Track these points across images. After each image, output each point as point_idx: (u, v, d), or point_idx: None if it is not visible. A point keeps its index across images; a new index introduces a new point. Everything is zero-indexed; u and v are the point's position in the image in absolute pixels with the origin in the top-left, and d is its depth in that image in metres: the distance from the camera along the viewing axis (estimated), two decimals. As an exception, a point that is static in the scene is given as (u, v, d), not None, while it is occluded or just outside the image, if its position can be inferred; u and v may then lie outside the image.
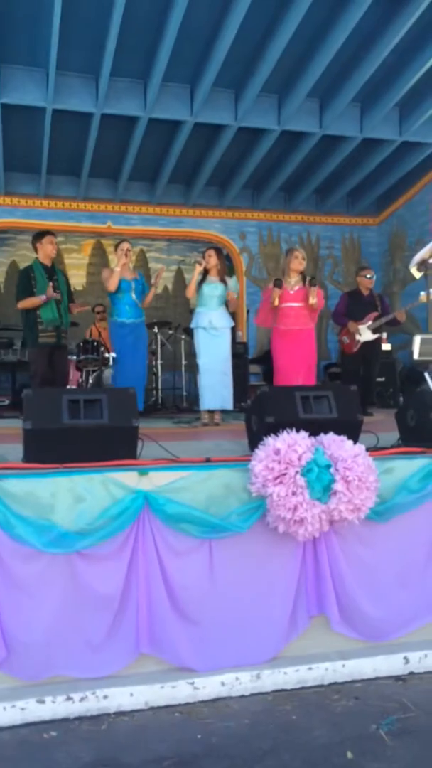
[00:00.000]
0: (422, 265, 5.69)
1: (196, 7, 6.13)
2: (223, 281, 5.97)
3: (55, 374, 5.57)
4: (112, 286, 5.79)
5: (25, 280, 5.48)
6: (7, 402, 8.49)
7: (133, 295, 5.91)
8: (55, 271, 5.57)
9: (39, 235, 5.69)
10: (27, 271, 5.55)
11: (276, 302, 5.57)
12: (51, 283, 5.41)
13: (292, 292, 5.64)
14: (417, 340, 4.41)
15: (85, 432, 2.97)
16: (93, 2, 6.12)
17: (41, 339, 5.47)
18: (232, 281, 6.06)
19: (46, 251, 5.55)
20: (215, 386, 5.85)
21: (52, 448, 2.92)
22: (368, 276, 7.00)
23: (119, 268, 5.79)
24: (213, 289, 5.91)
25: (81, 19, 6.32)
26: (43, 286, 5.41)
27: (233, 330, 6.13)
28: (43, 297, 5.36)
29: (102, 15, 6.23)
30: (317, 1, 6.10)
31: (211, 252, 5.98)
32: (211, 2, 6.24)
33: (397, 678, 2.93)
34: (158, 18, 6.41)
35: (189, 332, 6.68)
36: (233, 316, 6.32)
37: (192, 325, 6.03)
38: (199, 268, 5.80)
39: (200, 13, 6.29)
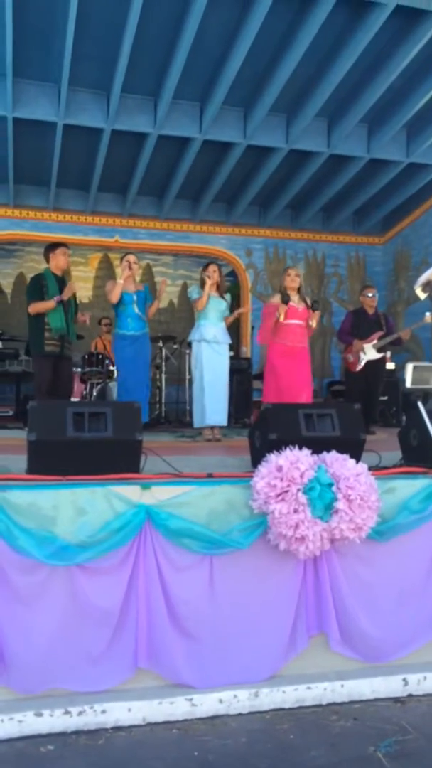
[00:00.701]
0: (427, 286, 5.71)
1: (208, 27, 6.23)
2: (223, 297, 6.03)
3: (58, 384, 5.56)
4: (114, 297, 5.81)
5: (36, 286, 5.50)
6: (11, 413, 8.50)
7: (136, 308, 5.91)
8: (65, 283, 5.60)
9: (53, 246, 5.72)
10: (39, 278, 5.58)
11: (282, 318, 5.59)
12: (58, 296, 5.44)
13: (300, 309, 5.67)
14: (409, 368, 4.38)
15: (89, 445, 2.98)
16: (106, 20, 6.22)
17: (47, 347, 5.47)
18: (228, 299, 6.12)
19: (58, 262, 5.58)
20: (219, 401, 5.85)
21: (56, 460, 2.93)
22: (370, 294, 7.04)
23: (122, 280, 5.79)
24: (217, 303, 5.95)
25: (94, 36, 6.42)
26: (54, 293, 5.44)
27: (237, 346, 6.15)
28: (57, 298, 5.37)
29: (114, 32, 6.32)
30: (327, 23, 6.19)
31: (216, 267, 6.02)
32: (222, 22, 6.33)
33: (396, 700, 2.91)
34: (170, 36, 6.50)
35: (191, 346, 6.68)
36: (237, 331, 6.34)
37: (194, 338, 6.00)
38: (210, 282, 5.83)
39: (211, 32, 6.38)
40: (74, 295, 5.79)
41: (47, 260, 5.69)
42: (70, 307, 5.57)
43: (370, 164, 8.89)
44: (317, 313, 5.70)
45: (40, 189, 9.67)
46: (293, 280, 5.74)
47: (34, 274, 5.78)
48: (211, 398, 5.84)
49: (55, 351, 5.48)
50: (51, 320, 5.40)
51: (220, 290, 6.02)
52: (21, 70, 6.97)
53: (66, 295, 5.42)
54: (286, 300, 5.59)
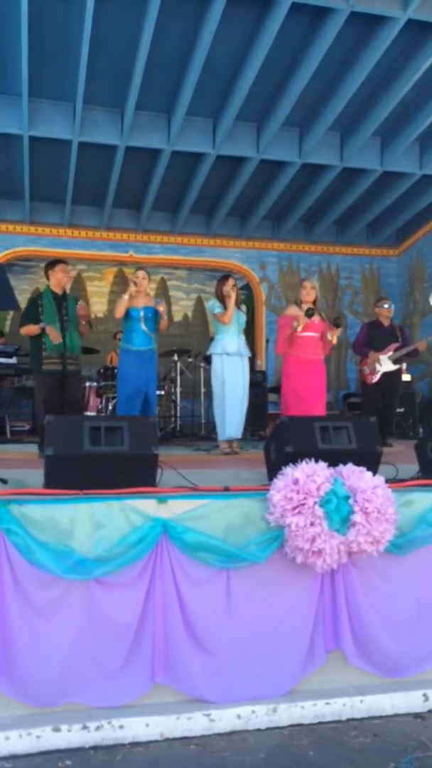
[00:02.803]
0: (442, 297, 5.68)
1: (220, 43, 6.30)
2: (240, 309, 6.04)
3: (63, 402, 5.49)
4: (118, 313, 5.79)
5: (32, 307, 5.46)
6: (27, 427, 8.55)
7: (143, 324, 5.83)
8: (65, 299, 5.54)
9: (51, 263, 5.69)
10: (36, 299, 5.53)
11: (300, 328, 5.58)
12: (56, 327, 5.35)
13: (316, 322, 5.67)
14: None
15: (106, 459, 2.99)
16: (120, 39, 6.32)
17: (45, 366, 5.39)
18: (244, 311, 6.15)
19: (57, 279, 5.53)
20: (239, 415, 5.85)
21: (73, 474, 2.94)
22: (386, 306, 7.02)
23: (127, 296, 5.77)
24: (238, 316, 5.97)
25: (108, 55, 6.52)
26: (50, 313, 5.37)
27: (252, 359, 6.15)
28: (41, 326, 5.33)
29: (128, 51, 6.42)
30: (339, 38, 6.24)
31: (233, 281, 6.02)
32: (234, 38, 6.41)
33: (417, 715, 2.87)
34: (183, 54, 6.59)
35: (208, 360, 6.68)
36: (252, 345, 6.34)
37: (215, 351, 5.97)
38: (234, 295, 5.84)
39: (224, 48, 6.46)
40: (82, 309, 5.70)
41: (47, 278, 5.65)
42: (70, 323, 5.48)
43: (384, 177, 8.91)
44: (338, 330, 5.68)
45: (55, 206, 9.78)
46: (309, 293, 5.72)
47: (31, 296, 5.71)
48: (232, 411, 5.82)
49: (55, 369, 5.40)
50: (47, 339, 5.35)
51: (237, 303, 6.03)
52: (36, 89, 7.09)
53: (51, 335, 5.32)
54: (310, 314, 5.57)
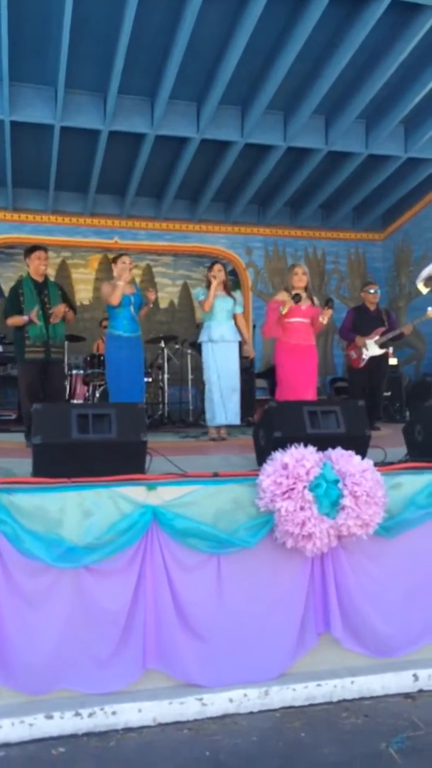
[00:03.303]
0: (429, 280, 5.70)
1: (203, 26, 6.22)
2: (230, 295, 6.00)
3: (46, 390, 5.50)
4: (115, 300, 5.76)
5: (13, 297, 5.44)
6: (14, 416, 8.49)
7: (132, 310, 5.88)
8: (47, 286, 5.51)
9: (28, 250, 5.64)
10: (16, 288, 5.50)
11: (285, 311, 5.56)
12: (35, 309, 5.33)
13: (303, 307, 5.65)
14: None
15: (94, 446, 2.98)
16: (101, 22, 6.22)
17: (28, 355, 5.38)
18: (238, 295, 6.07)
19: (34, 266, 5.51)
20: (226, 401, 5.84)
21: (61, 462, 2.93)
22: (372, 291, 7.03)
23: (122, 282, 5.75)
24: (224, 302, 5.94)
25: (89, 38, 6.41)
26: (31, 301, 5.35)
27: (240, 344, 6.13)
28: (25, 318, 5.31)
29: (110, 34, 6.32)
30: (323, 20, 6.18)
31: (220, 266, 6.02)
32: (217, 21, 6.33)
33: (407, 695, 2.91)
34: (165, 37, 6.50)
35: (195, 346, 6.68)
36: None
37: (202, 339, 6.01)
38: (216, 283, 5.82)
39: (207, 31, 6.38)
40: (64, 295, 5.67)
41: (28, 265, 5.63)
42: (52, 309, 5.47)
43: (369, 160, 8.88)
44: (329, 311, 5.66)
45: (38, 192, 9.67)
46: (300, 279, 5.70)
47: (12, 286, 5.69)
48: (218, 398, 5.83)
49: (38, 357, 5.40)
50: (30, 327, 5.35)
51: (227, 288, 6.01)
52: (17, 73, 6.97)
53: (32, 319, 5.30)
54: (297, 299, 5.56)
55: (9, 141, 7.86)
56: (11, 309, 5.41)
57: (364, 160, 8.84)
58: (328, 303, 5.69)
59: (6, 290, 7.71)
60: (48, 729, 2.55)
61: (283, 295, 5.74)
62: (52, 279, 5.56)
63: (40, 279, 5.49)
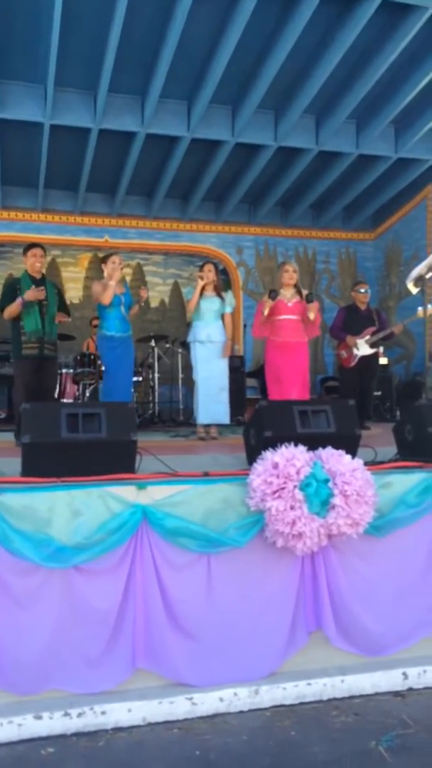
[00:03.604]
0: (419, 280, 5.71)
1: (194, 25, 6.21)
2: (219, 296, 6.00)
3: (41, 387, 5.51)
4: (106, 299, 5.77)
5: (10, 291, 5.46)
6: (3, 416, 8.46)
7: (123, 309, 5.90)
8: (44, 283, 5.54)
9: (26, 248, 5.70)
10: (13, 282, 5.55)
11: (266, 312, 5.57)
12: (33, 286, 5.36)
13: (289, 305, 5.65)
14: None
15: (84, 446, 2.97)
16: (92, 20, 6.20)
17: (24, 351, 5.42)
18: (229, 296, 6.06)
19: (30, 263, 5.55)
20: (212, 400, 5.85)
21: (51, 461, 2.91)
22: (362, 290, 7.05)
23: (113, 282, 5.76)
24: (210, 303, 5.94)
25: (79, 35, 6.39)
26: None
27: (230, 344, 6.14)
28: (20, 301, 5.29)
29: (100, 32, 6.30)
30: (313, 19, 6.18)
31: (210, 266, 6.01)
32: (208, 20, 6.32)
33: (396, 694, 2.91)
34: (156, 35, 6.49)
35: (186, 346, 6.69)
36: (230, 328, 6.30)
37: (189, 339, 6.04)
38: (201, 283, 5.83)
39: (198, 30, 6.37)
40: (59, 295, 5.71)
41: (25, 262, 5.67)
42: (48, 307, 5.48)
43: (359, 160, 8.90)
44: (314, 304, 5.65)
45: (28, 190, 9.62)
46: (291, 276, 5.70)
47: (9, 279, 5.73)
48: (204, 398, 5.84)
49: (33, 353, 5.43)
50: (26, 323, 5.36)
51: (217, 289, 6.00)
52: (6, 71, 6.94)
53: (30, 296, 5.32)
54: (274, 296, 5.57)
55: (-2, 139, 7.83)
56: (8, 301, 5.42)
57: (355, 160, 8.86)
58: (307, 297, 5.67)
59: None
60: (37, 729, 2.54)
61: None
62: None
63: (37, 276, 5.52)
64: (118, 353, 5.92)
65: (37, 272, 5.53)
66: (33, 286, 5.33)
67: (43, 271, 5.61)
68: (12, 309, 5.37)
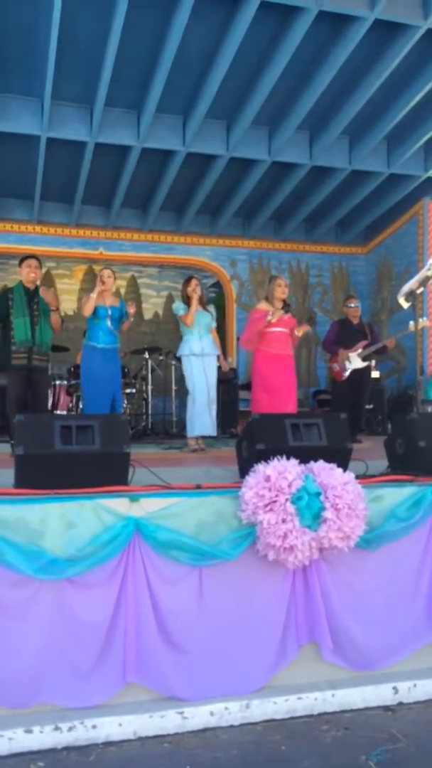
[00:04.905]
0: (410, 295, 5.75)
1: (190, 42, 6.28)
2: (206, 310, 6.10)
3: (32, 398, 5.52)
4: (87, 311, 5.84)
5: (2, 302, 5.49)
6: (-5, 427, 8.42)
7: (109, 323, 5.91)
8: (37, 295, 5.56)
9: (21, 259, 5.75)
10: (6, 294, 5.57)
11: (274, 320, 5.65)
12: (26, 299, 5.43)
13: (285, 318, 5.72)
14: None
15: (77, 458, 2.98)
16: (89, 34, 6.26)
17: (13, 361, 5.44)
18: (212, 311, 6.21)
19: (24, 274, 5.59)
20: (206, 413, 5.91)
21: (44, 473, 2.92)
22: (352, 305, 7.13)
23: (95, 294, 5.82)
24: (201, 317, 6.02)
25: (76, 50, 6.45)
26: (20, 307, 5.41)
27: (218, 358, 6.23)
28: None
29: (97, 47, 6.36)
30: (307, 37, 6.27)
31: (197, 281, 6.12)
32: (203, 36, 6.39)
33: (387, 708, 2.92)
34: (152, 50, 6.55)
35: (179, 358, 6.73)
36: (222, 342, 6.40)
37: (182, 353, 6.08)
38: (195, 297, 5.91)
39: (193, 46, 6.44)
40: (56, 306, 5.72)
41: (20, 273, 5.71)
42: (41, 317, 5.50)
43: (352, 175, 8.99)
44: (306, 327, 5.80)
45: (23, 202, 9.65)
46: (284, 291, 5.83)
47: (2, 290, 5.76)
48: (199, 410, 5.89)
49: (22, 363, 5.43)
50: (16, 333, 5.38)
51: (203, 303, 6.10)
52: (4, 85, 6.99)
53: (49, 298, 5.41)
54: (287, 310, 5.71)
55: (-6, 151, 7.88)
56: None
57: (348, 175, 8.94)
58: (310, 320, 5.80)
59: None
60: (27, 743, 2.53)
61: (264, 305, 5.81)
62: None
63: (31, 287, 5.54)
64: (97, 363, 5.90)
65: (31, 283, 5.56)
66: (43, 288, 5.45)
67: (38, 282, 5.63)
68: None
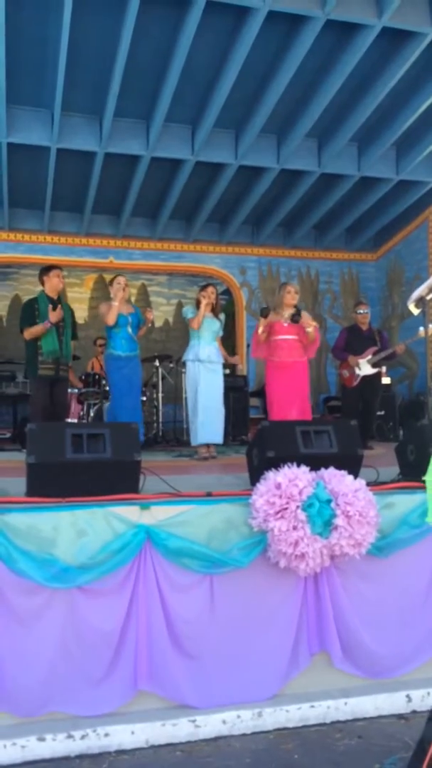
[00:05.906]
0: (420, 301, 5.73)
1: (198, 52, 6.32)
2: (217, 318, 6.10)
3: (55, 407, 5.59)
4: (110, 320, 5.85)
5: (29, 311, 5.57)
6: (8, 435, 8.48)
7: (130, 330, 5.97)
8: (60, 304, 5.65)
9: (46, 269, 5.81)
10: (31, 302, 5.64)
11: (260, 330, 5.65)
12: (50, 306, 5.47)
13: (286, 324, 5.71)
14: None
15: (88, 466, 2.99)
16: (98, 45, 6.31)
17: (41, 371, 5.51)
18: (223, 319, 6.21)
19: (52, 284, 5.66)
20: (215, 420, 5.89)
21: (55, 482, 2.93)
22: (361, 311, 7.11)
23: (117, 302, 5.85)
24: (210, 323, 6.01)
25: (86, 62, 6.51)
26: (46, 316, 5.48)
27: (233, 364, 6.21)
28: (47, 324, 5.42)
29: (106, 58, 6.42)
30: (315, 45, 6.29)
31: (213, 289, 6.10)
32: (212, 46, 6.43)
33: (400, 716, 2.90)
34: (161, 61, 6.60)
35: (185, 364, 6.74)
36: (233, 350, 6.39)
37: (188, 358, 6.05)
38: (205, 302, 5.91)
39: (201, 56, 6.48)
40: (73, 317, 5.83)
41: (42, 283, 5.76)
42: (65, 329, 5.60)
43: (361, 182, 8.99)
44: (306, 321, 5.68)
45: (34, 212, 9.73)
46: (293, 297, 5.80)
47: (27, 299, 5.84)
48: (208, 417, 5.87)
49: (49, 374, 5.52)
50: (44, 343, 5.48)
51: (215, 311, 6.09)
52: (14, 96, 7.05)
53: (54, 318, 5.44)
54: (264, 313, 5.68)
55: (6, 162, 7.94)
56: (26, 321, 5.54)
57: (357, 182, 8.95)
58: (294, 317, 5.71)
59: (1, 308, 7.80)
60: (40, 751, 2.53)
61: (272, 316, 5.78)
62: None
63: (55, 296, 5.62)
64: (124, 373, 5.97)
65: (56, 292, 5.65)
66: (50, 307, 5.43)
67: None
68: (35, 330, 5.46)
